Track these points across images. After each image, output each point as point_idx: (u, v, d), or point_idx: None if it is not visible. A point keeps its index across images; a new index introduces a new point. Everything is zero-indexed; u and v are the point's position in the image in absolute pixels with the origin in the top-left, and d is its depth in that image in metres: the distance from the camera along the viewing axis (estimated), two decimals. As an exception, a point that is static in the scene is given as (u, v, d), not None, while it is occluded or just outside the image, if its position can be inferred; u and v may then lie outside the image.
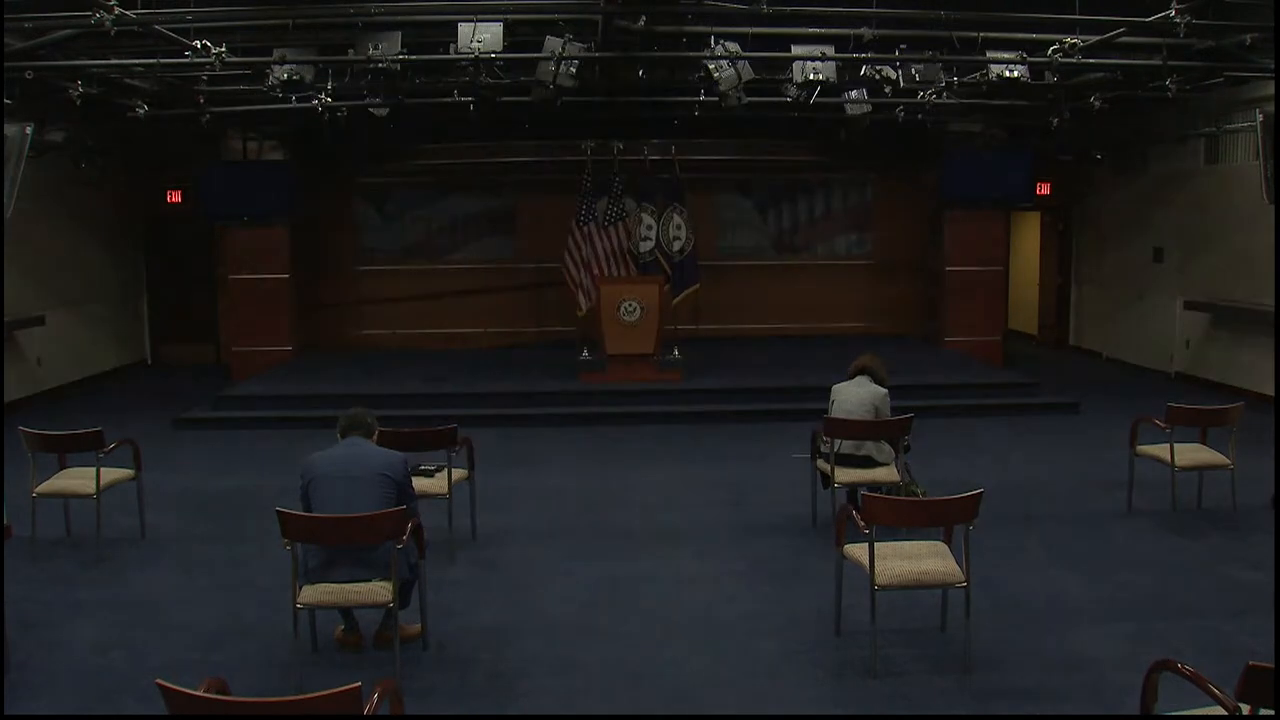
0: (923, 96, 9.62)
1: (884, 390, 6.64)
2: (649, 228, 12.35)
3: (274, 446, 9.21)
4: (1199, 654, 4.68)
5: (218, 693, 2.96)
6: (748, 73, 8.90)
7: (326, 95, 9.24)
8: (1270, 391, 9.70)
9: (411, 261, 14.48)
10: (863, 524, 4.65)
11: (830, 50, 8.52)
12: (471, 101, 9.75)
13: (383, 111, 10.56)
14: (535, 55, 8.39)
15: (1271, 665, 2.95)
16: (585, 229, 12.21)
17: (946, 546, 4.82)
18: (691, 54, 8.90)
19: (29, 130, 7.91)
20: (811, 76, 8.57)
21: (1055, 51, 8.16)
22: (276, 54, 8.40)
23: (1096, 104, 10.11)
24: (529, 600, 5.64)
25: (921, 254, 14.23)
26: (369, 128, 11.84)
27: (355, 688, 2.84)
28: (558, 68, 8.39)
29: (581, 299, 12.17)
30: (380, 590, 4.52)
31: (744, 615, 5.40)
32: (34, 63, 8.10)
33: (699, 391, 10.91)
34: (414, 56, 8.31)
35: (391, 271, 14.44)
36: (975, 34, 8.33)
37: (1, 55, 7.52)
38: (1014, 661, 4.77)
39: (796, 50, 8.58)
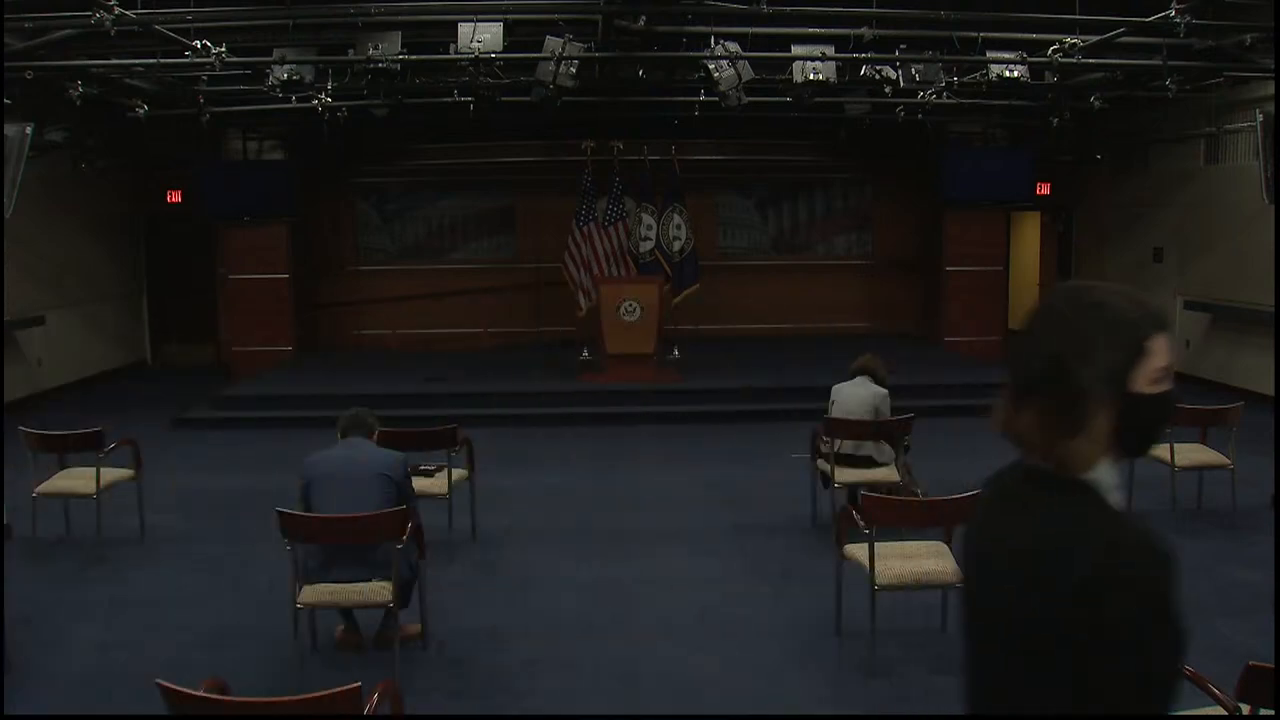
0: (923, 96, 9.62)
1: (884, 390, 6.63)
2: (649, 228, 12.36)
3: (274, 446, 9.20)
4: (1199, 654, 4.63)
5: (218, 693, 2.96)
6: (748, 73, 8.91)
7: (326, 95, 9.26)
8: (1270, 391, 9.69)
9: (411, 261, 14.47)
10: (863, 524, 4.65)
11: (830, 50, 8.53)
12: (471, 101, 9.76)
13: (383, 111, 10.58)
14: (535, 55, 8.40)
15: (1271, 665, 2.95)
16: (585, 229, 12.21)
17: (946, 546, 4.82)
18: (691, 54, 8.91)
19: (29, 130, 7.92)
20: (811, 76, 8.58)
21: (1055, 51, 8.16)
22: (276, 54, 8.41)
23: (1096, 104, 10.12)
24: (529, 600, 5.64)
25: (921, 254, 14.23)
26: (369, 128, 11.86)
27: (355, 688, 2.84)
28: (558, 68, 8.39)
29: (581, 299, 12.17)
30: (380, 590, 4.52)
31: (744, 615, 5.40)
32: (34, 63, 8.10)
33: (699, 391, 10.90)
34: (414, 56, 8.31)
35: (391, 271, 14.44)
36: (975, 34, 8.34)
37: (1, 55, 7.53)
38: (1014, 661, 4.76)
39: (796, 50, 8.59)
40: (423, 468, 6.32)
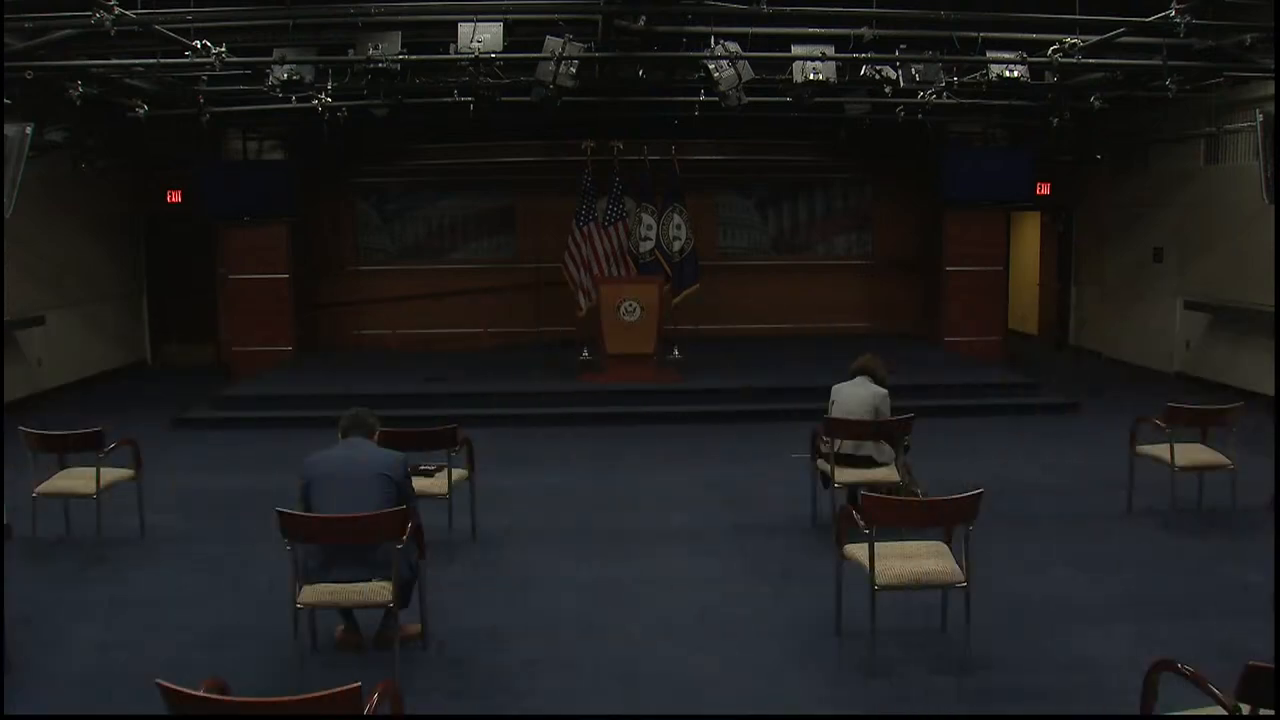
0: (923, 96, 9.62)
1: (884, 390, 6.63)
2: (649, 228, 12.37)
3: (274, 446, 9.20)
4: (1199, 654, 4.67)
5: (218, 693, 2.96)
6: (748, 73, 8.91)
7: (326, 95, 9.26)
8: (1270, 391, 9.70)
9: (411, 261, 14.48)
10: (863, 524, 4.65)
11: (830, 50, 8.53)
12: (471, 101, 9.76)
13: (383, 111, 10.58)
14: (535, 55, 8.40)
15: (1271, 665, 2.95)
16: (585, 229, 12.22)
17: (946, 546, 4.82)
18: (691, 54, 8.91)
19: (29, 130, 7.92)
20: (811, 76, 8.58)
21: (1055, 51, 8.16)
22: (276, 54, 8.41)
23: (1096, 104, 10.12)
24: (529, 600, 5.64)
25: (921, 254, 14.23)
26: (369, 128, 11.86)
27: (355, 688, 2.84)
28: (558, 68, 8.39)
29: (581, 299, 12.18)
30: (380, 590, 4.52)
31: (744, 615, 5.40)
32: (34, 63, 8.11)
33: (699, 391, 10.90)
34: (414, 56, 8.31)
35: (391, 271, 14.44)
36: (975, 34, 8.34)
37: (1, 55, 7.53)
38: (1014, 661, 4.77)
39: (796, 50, 8.59)
40: (423, 468, 6.32)
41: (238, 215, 12.71)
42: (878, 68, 8.91)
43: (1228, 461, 6.76)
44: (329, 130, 11.08)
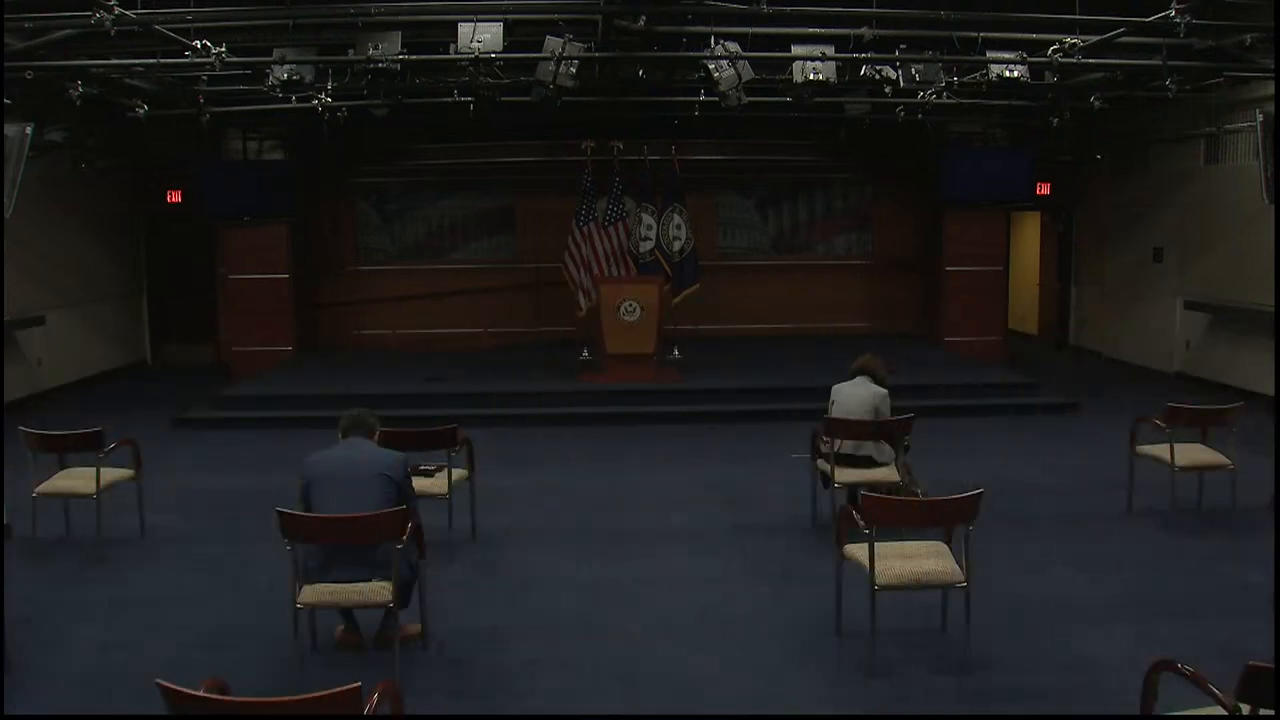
0: (923, 96, 9.62)
1: (884, 390, 6.63)
2: (649, 228, 12.38)
3: (274, 446, 9.20)
4: (1199, 654, 4.67)
5: (218, 693, 2.96)
6: (748, 73, 8.91)
7: (326, 95, 9.26)
8: (1270, 391, 9.70)
9: (411, 261, 14.48)
10: (863, 524, 4.65)
11: (830, 50, 8.53)
12: (471, 101, 9.76)
13: (383, 111, 10.58)
14: (535, 55, 8.40)
15: (1271, 665, 2.95)
16: (585, 229, 12.22)
17: (946, 546, 4.82)
18: (691, 54, 8.91)
19: (29, 130, 7.92)
20: (811, 76, 8.58)
21: (1055, 51, 8.17)
22: (276, 54, 8.42)
23: (1096, 104, 10.12)
24: (529, 600, 5.64)
25: (921, 254, 14.23)
26: (369, 128, 11.86)
27: (355, 688, 2.84)
28: (558, 68, 8.40)
29: (581, 299, 12.18)
30: (380, 590, 4.52)
31: (744, 615, 5.40)
32: (34, 63, 8.11)
33: (699, 391, 10.90)
34: (414, 56, 8.31)
35: (391, 271, 14.44)
36: (975, 34, 8.34)
37: (1, 55, 7.53)
38: (1014, 661, 4.77)
39: (796, 50, 8.59)
40: (423, 468, 6.32)
41: (238, 215, 12.71)
42: (878, 68, 8.91)
43: (1228, 461, 6.76)
44: (329, 130, 11.08)
